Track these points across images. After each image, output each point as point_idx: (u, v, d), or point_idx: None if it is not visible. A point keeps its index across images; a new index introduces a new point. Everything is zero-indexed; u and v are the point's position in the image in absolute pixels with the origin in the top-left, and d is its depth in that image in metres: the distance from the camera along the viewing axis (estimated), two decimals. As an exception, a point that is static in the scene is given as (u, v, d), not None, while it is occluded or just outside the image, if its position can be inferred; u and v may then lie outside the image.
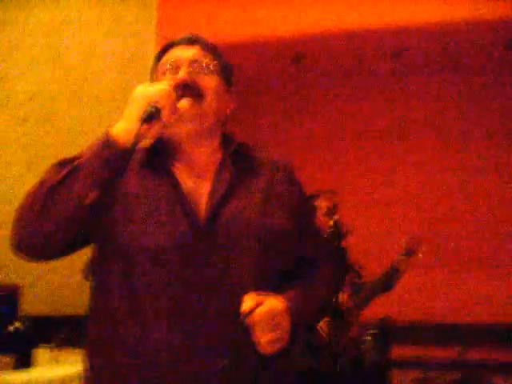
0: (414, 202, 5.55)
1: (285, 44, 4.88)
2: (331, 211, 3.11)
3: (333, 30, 4.57)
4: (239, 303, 1.26)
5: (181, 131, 1.37)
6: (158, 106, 1.26)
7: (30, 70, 3.68)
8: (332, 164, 5.55)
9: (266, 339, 1.25)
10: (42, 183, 1.25)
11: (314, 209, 3.11)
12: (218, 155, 1.44)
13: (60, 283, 3.70)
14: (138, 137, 1.24)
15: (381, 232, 4.55)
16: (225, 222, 1.34)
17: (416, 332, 4.90)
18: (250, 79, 5.43)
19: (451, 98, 5.60)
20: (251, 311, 1.24)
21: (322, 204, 3.18)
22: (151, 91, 1.27)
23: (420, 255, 3.47)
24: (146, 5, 4.37)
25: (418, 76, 5.58)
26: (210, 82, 1.40)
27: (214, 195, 1.36)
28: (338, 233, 2.93)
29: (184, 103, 1.33)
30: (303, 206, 1.52)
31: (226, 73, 1.48)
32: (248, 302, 1.25)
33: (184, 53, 1.43)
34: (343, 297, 3.27)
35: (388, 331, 3.54)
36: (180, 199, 1.35)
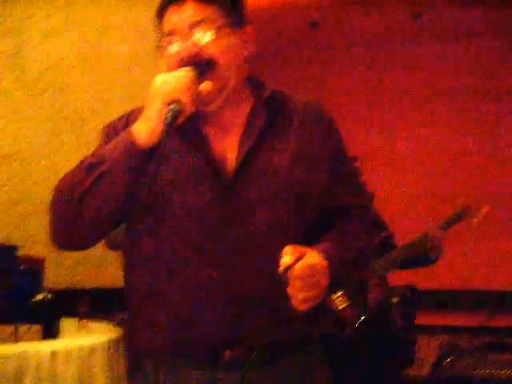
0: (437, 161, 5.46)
1: (302, 9, 4.79)
2: None
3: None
4: (271, 256, 1.20)
5: (205, 110, 1.32)
6: (181, 102, 1.19)
7: (45, 43, 3.66)
8: (351, 129, 5.46)
9: (302, 296, 1.18)
10: (71, 187, 1.25)
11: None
12: (248, 103, 1.38)
13: (82, 257, 3.72)
14: (162, 137, 1.19)
15: (404, 195, 4.50)
16: (254, 174, 1.30)
17: (442, 298, 4.86)
18: (266, 44, 5.36)
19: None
20: (292, 264, 1.17)
21: None
22: (171, 85, 1.20)
23: (475, 221, 3.16)
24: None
25: (437, 41, 5.43)
26: (217, 46, 1.29)
27: (242, 147, 1.31)
28: None
29: (206, 86, 1.26)
30: (338, 148, 1.43)
31: (236, 13, 1.35)
32: (288, 254, 1.17)
33: (179, 16, 1.33)
34: None
35: (414, 297, 3.48)
36: (206, 155, 1.31)
